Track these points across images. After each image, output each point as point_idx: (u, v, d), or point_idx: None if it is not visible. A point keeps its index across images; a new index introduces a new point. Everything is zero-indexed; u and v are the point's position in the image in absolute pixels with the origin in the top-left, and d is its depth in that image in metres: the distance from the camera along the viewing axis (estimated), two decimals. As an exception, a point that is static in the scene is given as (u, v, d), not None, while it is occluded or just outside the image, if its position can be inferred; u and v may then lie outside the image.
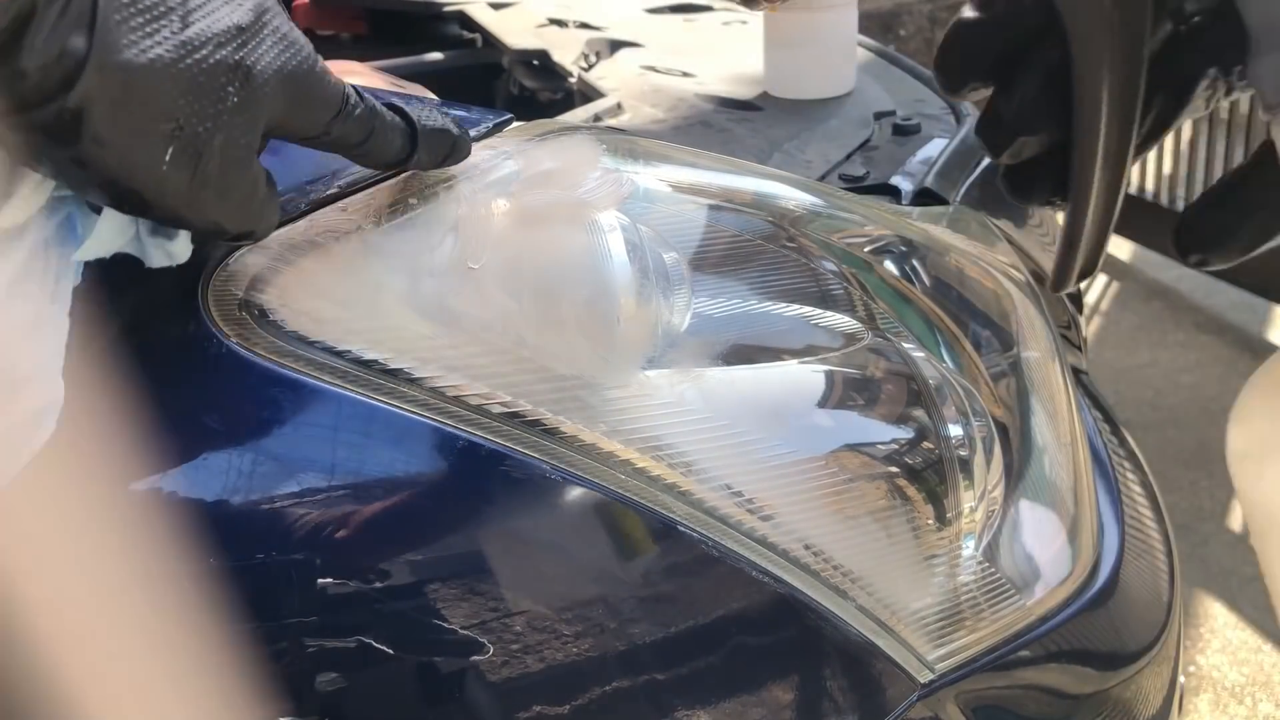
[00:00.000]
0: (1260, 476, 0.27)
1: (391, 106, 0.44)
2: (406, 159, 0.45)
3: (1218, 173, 2.41)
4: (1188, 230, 0.32)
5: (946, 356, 0.60)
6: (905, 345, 0.57)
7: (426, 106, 0.47)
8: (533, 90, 1.23)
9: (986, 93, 0.32)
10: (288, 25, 0.38)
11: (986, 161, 0.92)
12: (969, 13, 0.31)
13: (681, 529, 0.46)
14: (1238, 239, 0.31)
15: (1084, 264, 0.32)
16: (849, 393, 0.54)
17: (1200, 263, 0.32)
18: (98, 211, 0.38)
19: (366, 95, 0.43)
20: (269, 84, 0.37)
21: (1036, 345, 0.69)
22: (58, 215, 0.38)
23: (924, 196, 0.80)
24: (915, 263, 0.64)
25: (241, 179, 0.38)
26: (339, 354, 0.44)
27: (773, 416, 0.51)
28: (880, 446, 0.54)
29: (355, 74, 1.04)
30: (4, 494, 0.38)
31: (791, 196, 0.64)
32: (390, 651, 0.42)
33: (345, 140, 0.42)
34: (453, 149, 0.47)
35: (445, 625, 0.43)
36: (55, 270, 0.38)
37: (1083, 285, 0.31)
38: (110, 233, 0.39)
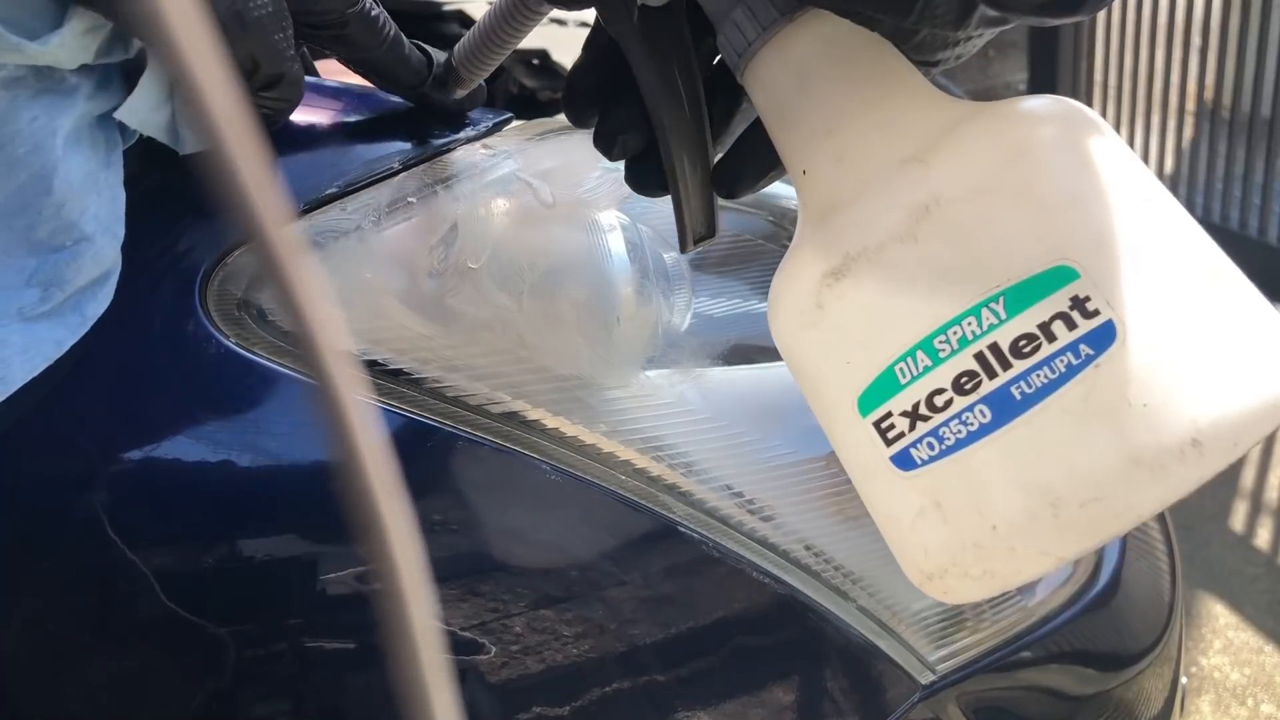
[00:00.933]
0: (777, 323, 0.35)
1: (416, 44, 0.48)
2: (419, 86, 0.48)
3: (1218, 172, 2.41)
4: (716, 172, 0.40)
5: (947, 356, 0.60)
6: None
7: (442, 54, 0.50)
8: (533, 89, 1.23)
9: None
10: None
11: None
12: (577, 62, 0.41)
13: (682, 530, 0.46)
14: (747, 176, 0.40)
15: (698, 232, 0.41)
16: (850, 393, 0.54)
17: (728, 194, 0.40)
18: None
19: (385, 14, 0.46)
20: None
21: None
22: (105, 86, 0.40)
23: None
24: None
25: (270, 21, 0.41)
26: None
27: (773, 416, 0.51)
28: (881, 447, 0.54)
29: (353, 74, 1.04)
30: None
31: (791, 196, 0.64)
32: (390, 651, 0.42)
33: (363, 41, 0.45)
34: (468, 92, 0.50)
35: (445, 626, 0.43)
36: (105, 137, 0.41)
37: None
38: (147, 100, 0.41)
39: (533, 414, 0.45)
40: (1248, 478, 1.84)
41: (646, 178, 0.41)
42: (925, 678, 0.52)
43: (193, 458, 0.42)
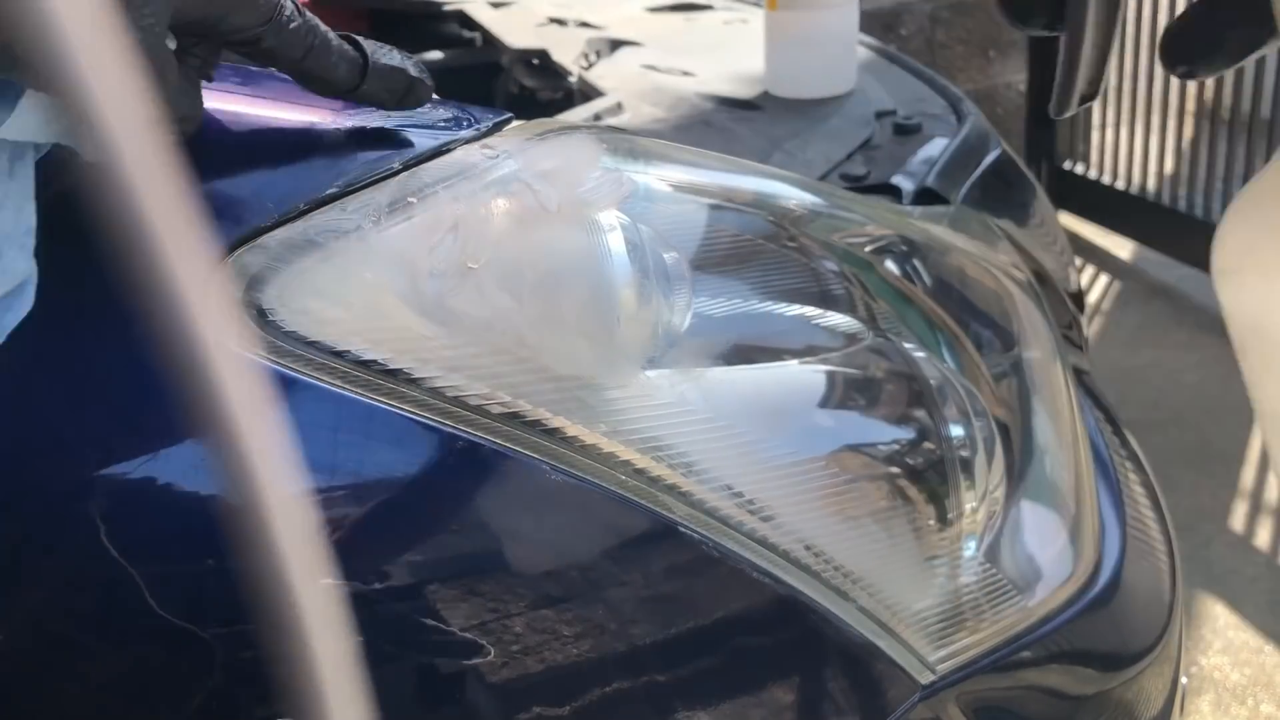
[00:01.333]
0: (1240, 288, 0.29)
1: (347, 38, 0.46)
2: (355, 89, 0.46)
3: (1218, 172, 2.41)
4: (1174, 40, 0.32)
5: (948, 357, 0.60)
6: (906, 345, 0.57)
7: (387, 49, 0.48)
8: (533, 89, 1.23)
9: None
10: None
11: (988, 161, 0.92)
12: None
13: (682, 530, 0.46)
14: (1223, 50, 0.31)
15: (1084, 89, 0.33)
16: (850, 393, 0.54)
17: (1187, 74, 0.33)
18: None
19: (311, 17, 0.44)
20: None
21: (1038, 345, 0.69)
22: None
23: (925, 196, 0.79)
24: (916, 262, 0.64)
25: (145, 57, 0.39)
26: (338, 354, 0.44)
27: (773, 417, 0.51)
28: (881, 447, 0.54)
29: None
30: None
31: (792, 196, 0.64)
32: (390, 653, 0.42)
33: (283, 53, 0.43)
34: (409, 89, 0.48)
35: (445, 626, 0.43)
36: (7, 151, 0.40)
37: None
38: (34, 114, 0.40)
39: (533, 414, 0.45)
40: (1248, 477, 1.84)
41: (1031, 12, 0.33)
42: (925, 678, 0.52)
43: (192, 458, 0.42)
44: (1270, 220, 0.28)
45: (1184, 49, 0.31)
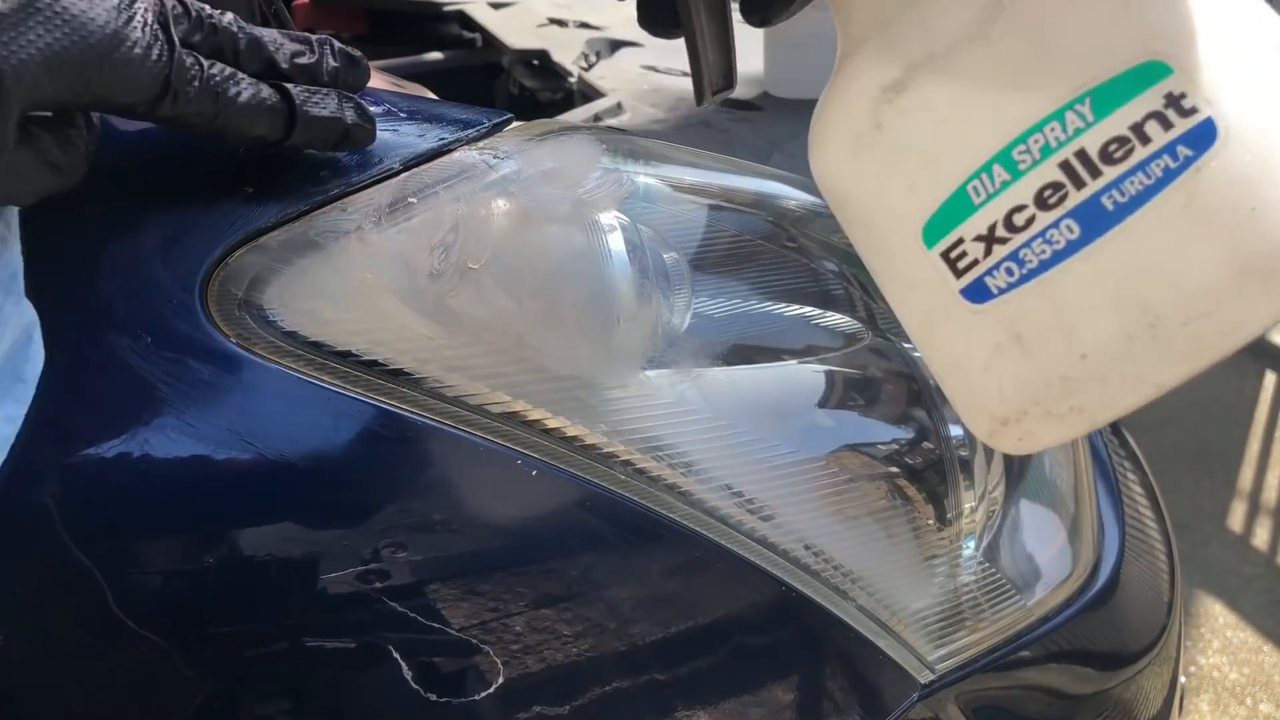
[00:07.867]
0: (816, 159, 0.33)
1: (278, 87, 0.43)
2: (279, 142, 0.43)
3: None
4: None
5: (947, 356, 0.60)
6: (905, 345, 0.57)
7: (322, 95, 0.44)
8: (533, 90, 1.23)
9: None
10: (78, 7, 0.36)
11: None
12: None
13: (682, 530, 0.46)
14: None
15: (714, 82, 0.38)
16: (849, 393, 0.54)
17: (761, 22, 0.37)
18: None
19: (219, 73, 0.41)
20: (25, 69, 0.35)
21: (1037, 345, 0.69)
22: None
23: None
24: (916, 262, 0.64)
25: None
26: (338, 354, 0.44)
27: (773, 416, 0.51)
28: (881, 446, 0.54)
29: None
30: None
31: (792, 196, 0.64)
32: (391, 652, 0.42)
33: (186, 120, 0.40)
34: (345, 136, 0.45)
35: (445, 625, 0.43)
36: None
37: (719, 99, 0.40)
38: None
39: (533, 414, 0.45)
40: (1246, 477, 1.85)
41: (659, 14, 0.38)
42: (924, 677, 0.52)
43: (192, 457, 0.42)
44: (845, 81, 0.32)
45: (752, 2, 0.36)
